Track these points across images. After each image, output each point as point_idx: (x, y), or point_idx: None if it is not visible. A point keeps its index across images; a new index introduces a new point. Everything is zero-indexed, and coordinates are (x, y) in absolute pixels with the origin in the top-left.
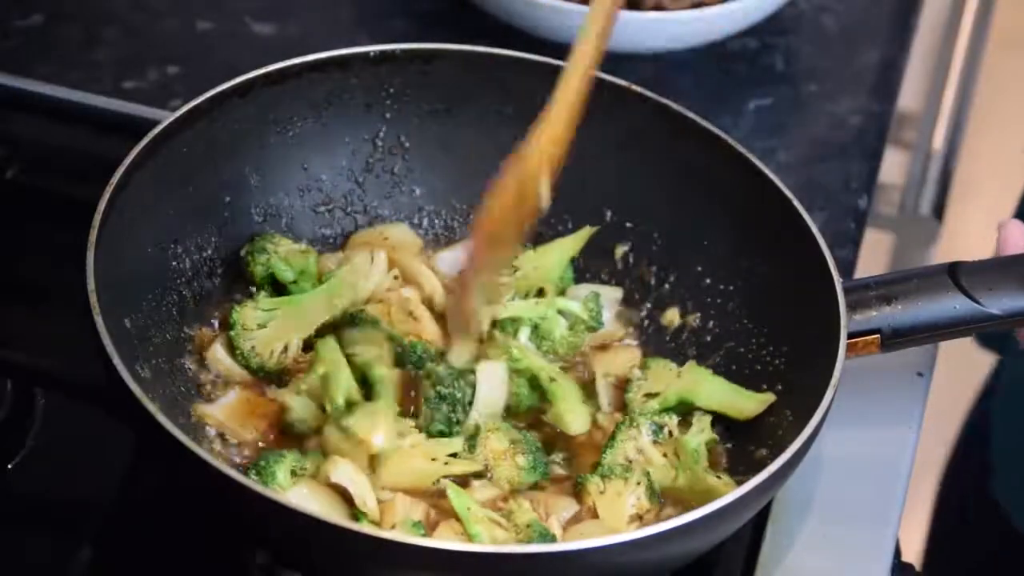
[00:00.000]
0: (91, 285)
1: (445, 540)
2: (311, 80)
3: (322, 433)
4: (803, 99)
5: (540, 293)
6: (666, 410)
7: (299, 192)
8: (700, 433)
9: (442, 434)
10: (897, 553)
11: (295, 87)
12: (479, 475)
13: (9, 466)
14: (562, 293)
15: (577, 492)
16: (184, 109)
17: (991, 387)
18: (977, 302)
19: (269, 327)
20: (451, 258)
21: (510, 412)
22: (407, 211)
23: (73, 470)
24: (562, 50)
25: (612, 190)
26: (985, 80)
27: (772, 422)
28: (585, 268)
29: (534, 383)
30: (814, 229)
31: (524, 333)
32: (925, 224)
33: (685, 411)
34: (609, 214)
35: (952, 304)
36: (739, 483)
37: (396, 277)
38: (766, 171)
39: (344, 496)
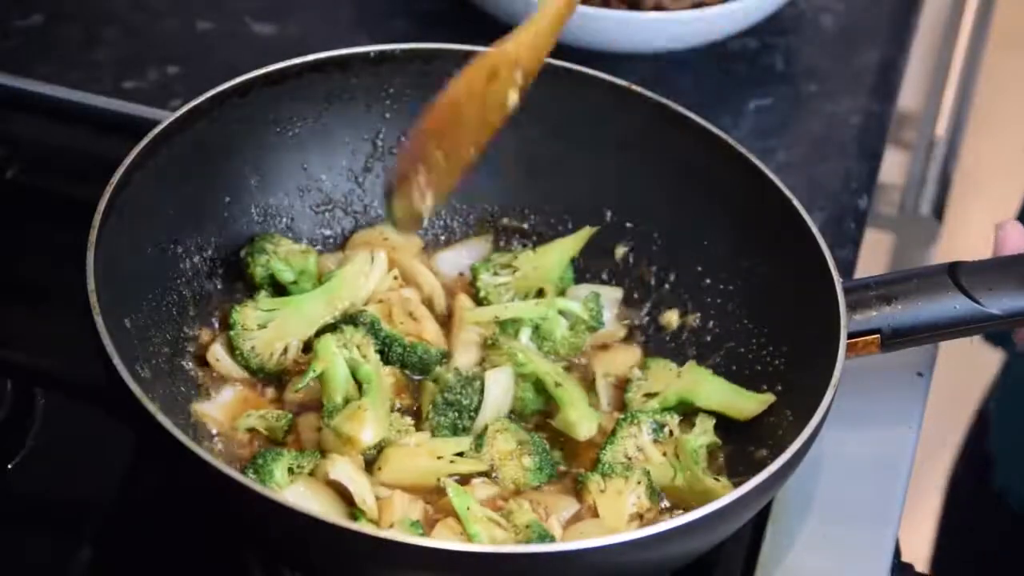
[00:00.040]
0: (91, 285)
1: (444, 540)
2: (311, 80)
3: (320, 432)
4: (803, 99)
5: (540, 293)
6: (666, 410)
7: (299, 192)
8: (703, 435)
9: None
10: (897, 553)
11: (295, 87)
12: (481, 473)
13: (9, 466)
14: (562, 293)
15: (578, 490)
16: (184, 109)
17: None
18: (977, 302)
19: (269, 327)
20: (451, 258)
21: (516, 416)
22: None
23: (73, 470)
24: (562, 50)
25: (612, 190)
26: (985, 80)
27: (772, 422)
28: (585, 268)
29: (539, 387)
30: (814, 229)
31: (525, 334)
32: (925, 224)
33: (685, 411)
34: (609, 214)
35: (952, 304)
36: (738, 484)
37: (396, 277)
38: (766, 171)
39: (342, 494)
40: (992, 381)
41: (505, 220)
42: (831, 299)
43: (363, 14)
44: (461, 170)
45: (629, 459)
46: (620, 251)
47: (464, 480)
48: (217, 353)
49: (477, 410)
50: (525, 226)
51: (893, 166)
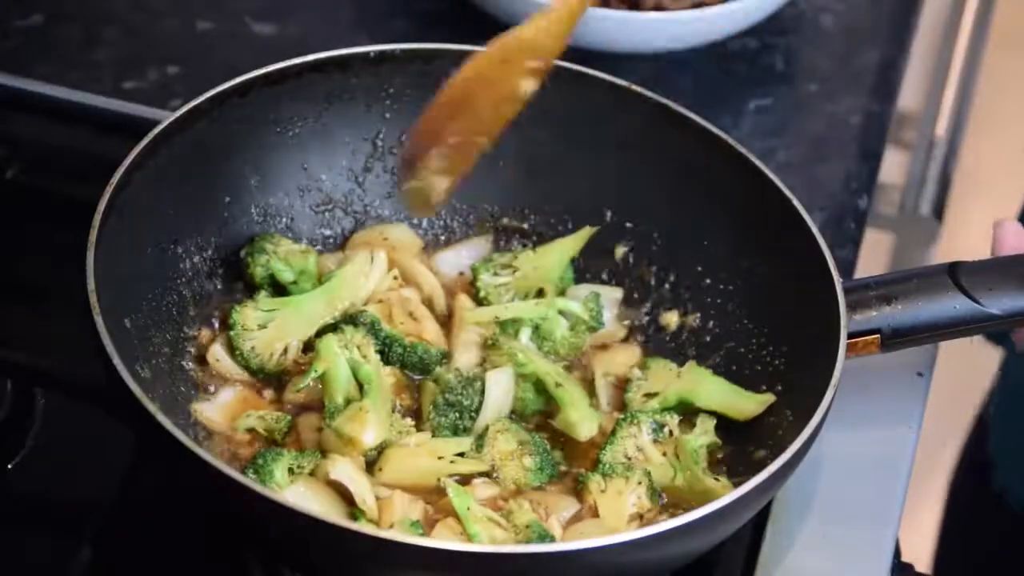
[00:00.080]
0: (91, 285)
1: (444, 540)
2: (311, 80)
3: (321, 432)
4: (803, 99)
5: (540, 293)
6: (666, 410)
7: (299, 192)
8: (704, 435)
9: None
10: (897, 553)
11: (295, 87)
12: (482, 474)
13: (9, 466)
14: (562, 293)
15: (578, 490)
16: (184, 109)
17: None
18: (977, 302)
19: (269, 328)
20: (451, 258)
21: (516, 416)
22: (407, 211)
23: (73, 470)
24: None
25: (612, 190)
26: (985, 80)
27: (772, 422)
28: (585, 268)
29: (540, 387)
30: (814, 229)
31: (525, 334)
32: (925, 224)
33: (685, 411)
34: (609, 214)
35: (952, 304)
36: (738, 484)
37: (396, 277)
38: (766, 171)
39: (342, 494)
40: (991, 382)
41: (505, 220)
42: (831, 299)
43: (363, 14)
44: (473, 158)
45: (629, 459)
46: (620, 251)
47: (465, 480)
48: (217, 353)
49: (478, 411)
50: (525, 226)
51: (893, 166)
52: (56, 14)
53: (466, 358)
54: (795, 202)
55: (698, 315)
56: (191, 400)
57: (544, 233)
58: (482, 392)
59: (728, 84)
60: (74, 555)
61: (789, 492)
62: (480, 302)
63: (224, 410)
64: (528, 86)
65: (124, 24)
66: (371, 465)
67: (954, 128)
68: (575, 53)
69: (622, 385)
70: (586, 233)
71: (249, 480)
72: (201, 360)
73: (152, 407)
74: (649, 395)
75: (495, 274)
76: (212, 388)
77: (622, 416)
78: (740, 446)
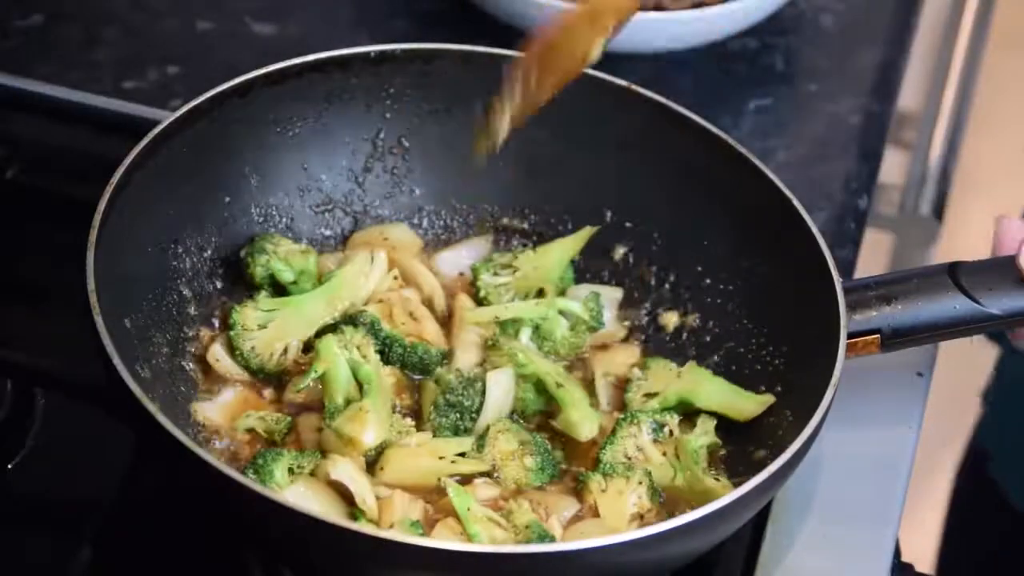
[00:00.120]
0: (91, 285)
1: (444, 540)
2: (311, 80)
3: (321, 432)
4: (803, 99)
5: (540, 293)
6: (666, 410)
7: (299, 192)
8: (704, 435)
9: None
10: (897, 553)
11: (295, 87)
12: (483, 474)
13: (9, 466)
14: (562, 293)
15: (578, 490)
16: (184, 109)
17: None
18: (977, 302)
19: (269, 328)
20: (451, 258)
21: (517, 416)
22: (407, 211)
23: (73, 470)
24: None
25: (612, 190)
26: (985, 80)
27: (772, 422)
28: (585, 268)
29: (540, 388)
30: (814, 229)
31: (525, 334)
32: (925, 224)
33: (685, 411)
34: (609, 214)
35: (952, 304)
36: (738, 484)
37: (396, 277)
38: (766, 171)
39: (342, 494)
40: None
41: (505, 220)
42: (831, 299)
43: (363, 14)
44: (536, 106)
45: (629, 459)
46: (620, 251)
47: (466, 480)
48: (217, 353)
49: (479, 411)
50: (525, 226)
51: (893, 166)
52: (56, 14)
53: (466, 358)
54: (795, 202)
55: (698, 315)
56: (191, 400)
57: (544, 233)
58: (483, 392)
59: (728, 84)
60: (74, 555)
61: (789, 492)
62: (480, 302)
63: (224, 410)
64: (599, 49)
65: (124, 24)
66: (371, 465)
67: (954, 128)
68: None
69: (622, 385)
70: (586, 233)
71: (249, 480)
72: (201, 360)
73: (152, 407)
74: (649, 395)
75: (495, 274)
76: (212, 388)
77: (622, 416)
78: (740, 446)
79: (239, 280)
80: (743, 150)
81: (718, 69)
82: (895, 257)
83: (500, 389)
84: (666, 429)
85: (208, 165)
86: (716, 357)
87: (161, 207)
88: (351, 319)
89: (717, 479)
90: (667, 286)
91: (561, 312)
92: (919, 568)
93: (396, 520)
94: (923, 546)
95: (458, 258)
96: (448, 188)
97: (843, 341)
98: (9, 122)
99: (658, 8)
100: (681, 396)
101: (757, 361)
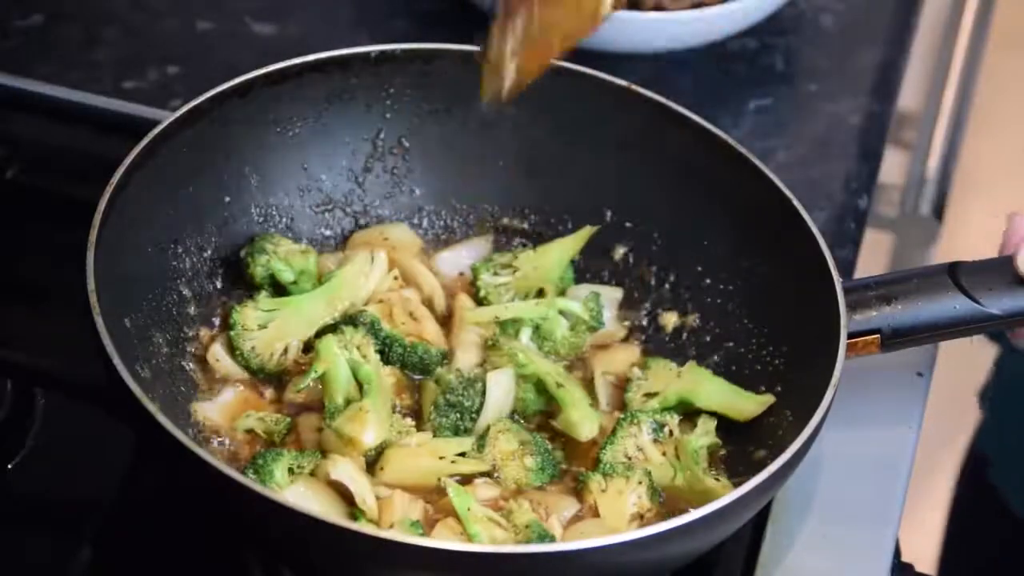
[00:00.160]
0: (91, 285)
1: (444, 540)
2: (311, 80)
3: (321, 432)
4: (803, 99)
5: (540, 293)
6: (666, 410)
7: (299, 192)
8: (704, 435)
9: None
10: (897, 553)
11: (295, 87)
12: (483, 474)
13: (9, 466)
14: (562, 293)
15: (578, 490)
16: (184, 109)
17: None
18: (977, 302)
19: (269, 328)
20: (451, 258)
21: (517, 416)
22: (407, 211)
23: (73, 470)
24: None
25: (612, 190)
26: (985, 80)
27: (772, 422)
28: (585, 268)
29: (540, 388)
30: (814, 229)
31: (525, 334)
32: (925, 224)
33: (685, 411)
34: (609, 214)
35: (952, 304)
36: (738, 484)
37: (396, 277)
38: (766, 171)
39: (342, 494)
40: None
41: (505, 220)
42: (831, 299)
43: (363, 14)
44: (546, 62)
45: (629, 459)
46: (620, 251)
47: (466, 480)
48: (217, 353)
49: (479, 411)
50: (525, 226)
51: (893, 166)
52: (56, 14)
53: (466, 358)
54: (795, 202)
55: (698, 315)
56: (191, 400)
57: (544, 233)
58: (483, 393)
59: (728, 84)
60: (74, 555)
61: (789, 492)
62: (480, 302)
63: (224, 410)
64: (608, 6)
65: (124, 24)
66: (371, 465)
67: (954, 128)
68: (575, 53)
69: (622, 385)
70: (586, 233)
71: (249, 480)
72: (201, 360)
73: (152, 407)
74: (649, 395)
75: (495, 274)
76: (212, 388)
77: (622, 416)
78: (740, 446)
79: (239, 280)
80: (743, 150)
81: (718, 69)
82: (895, 257)
83: (500, 389)
84: (666, 429)
85: (208, 165)
86: (716, 357)
87: (161, 207)
88: (351, 319)
89: (717, 479)
90: (667, 286)
91: (561, 312)
92: (919, 568)
93: (396, 520)
94: (923, 546)
95: (458, 258)
96: (448, 188)
97: (843, 341)
98: (9, 122)
99: (658, 8)
100: (681, 396)
101: (757, 361)
